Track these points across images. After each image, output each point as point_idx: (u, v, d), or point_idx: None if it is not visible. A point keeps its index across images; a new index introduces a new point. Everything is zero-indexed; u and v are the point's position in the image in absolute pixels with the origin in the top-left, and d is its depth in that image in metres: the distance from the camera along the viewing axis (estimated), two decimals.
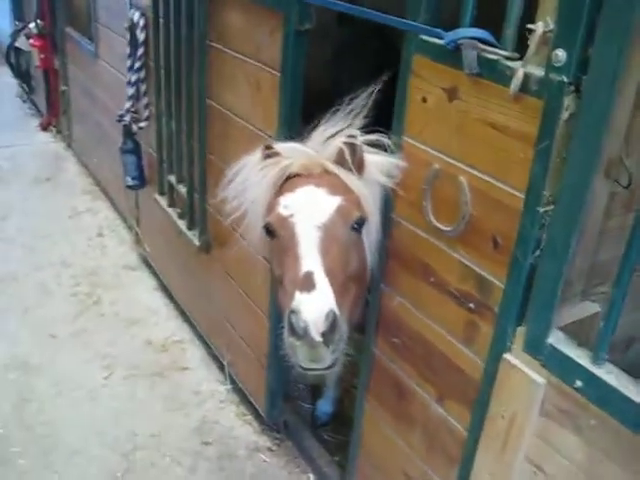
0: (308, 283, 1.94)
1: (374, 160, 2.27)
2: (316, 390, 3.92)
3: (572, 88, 1.59)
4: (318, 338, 1.85)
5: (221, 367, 4.08)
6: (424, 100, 2.06)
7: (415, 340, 2.33)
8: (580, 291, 1.98)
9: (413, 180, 2.15)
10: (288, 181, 2.25)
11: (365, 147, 2.27)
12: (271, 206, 2.23)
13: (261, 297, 3.30)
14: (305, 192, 2.18)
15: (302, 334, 1.85)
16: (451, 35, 1.86)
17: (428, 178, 2.07)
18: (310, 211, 2.12)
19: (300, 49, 2.66)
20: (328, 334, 1.86)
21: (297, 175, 2.25)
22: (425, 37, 2.00)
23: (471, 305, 2.02)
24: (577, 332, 1.85)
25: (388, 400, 2.58)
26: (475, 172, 1.90)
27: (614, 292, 1.58)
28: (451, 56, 1.89)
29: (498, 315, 1.92)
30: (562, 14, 1.58)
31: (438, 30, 1.93)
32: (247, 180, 2.34)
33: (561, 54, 1.58)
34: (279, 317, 2.52)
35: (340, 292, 2.03)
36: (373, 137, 2.27)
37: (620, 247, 1.56)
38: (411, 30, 2.03)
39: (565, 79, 1.58)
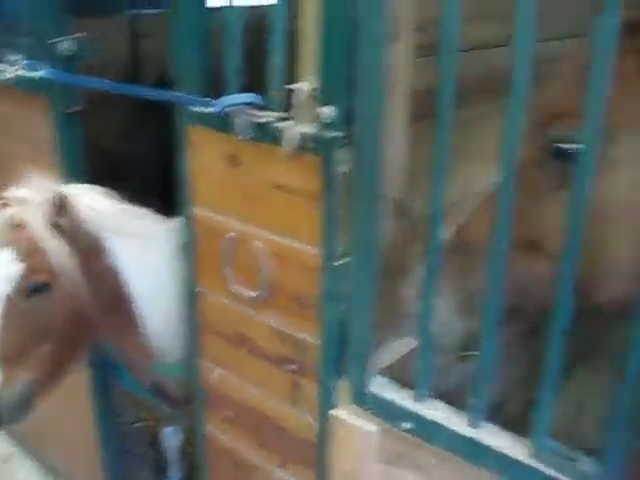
0: None
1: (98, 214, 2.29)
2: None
3: (345, 141, 1.62)
4: None
5: None
6: (207, 169, 2.01)
7: (245, 411, 2.25)
8: (394, 329, 2.02)
9: (211, 250, 2.09)
10: None
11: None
12: None
13: None
14: None
15: None
16: (219, 103, 1.84)
17: (225, 247, 2.02)
18: None
19: (72, 129, 2.60)
20: None
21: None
22: (196, 107, 1.97)
23: (292, 367, 1.98)
24: (402, 371, 1.87)
25: (231, 478, 2.46)
26: (270, 235, 1.88)
27: (422, 330, 1.61)
28: (225, 124, 1.86)
29: (319, 373, 1.90)
30: (323, 72, 1.62)
31: (206, 100, 1.91)
32: None
33: (328, 110, 1.61)
34: None
35: (25, 363, 2.15)
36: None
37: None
38: (177, 102, 1.99)
39: (336, 134, 1.61)
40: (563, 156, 1.51)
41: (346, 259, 1.70)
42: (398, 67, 1.65)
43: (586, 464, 1.45)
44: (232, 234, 1.99)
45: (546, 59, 2.38)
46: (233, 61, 1.85)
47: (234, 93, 1.86)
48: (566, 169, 1.46)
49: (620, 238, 1.51)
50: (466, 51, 2.19)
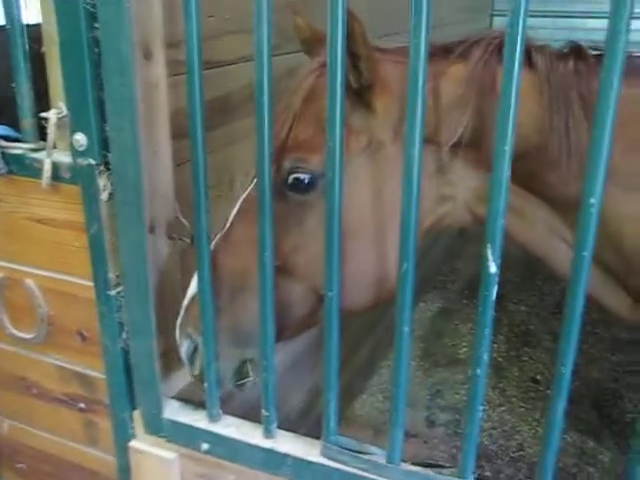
0: None
1: None
2: None
3: (102, 168, 1.57)
4: None
5: None
6: None
7: (40, 459, 2.11)
8: None
9: None
10: None
11: None
12: None
13: None
14: None
15: None
16: None
17: None
18: None
19: None
20: None
21: None
22: None
23: (82, 405, 1.90)
24: (195, 391, 1.85)
25: None
26: (40, 272, 1.79)
27: (206, 350, 1.60)
28: None
29: (110, 406, 1.83)
30: (70, 98, 1.55)
31: None
32: None
33: (80, 138, 1.55)
34: None
35: None
36: None
37: None
38: None
39: (92, 161, 1.55)
40: (301, 186, 1.56)
41: (121, 288, 1.65)
42: (152, 86, 1.62)
43: (374, 453, 1.52)
44: (0, 275, 1.86)
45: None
46: None
47: None
48: (305, 198, 1.57)
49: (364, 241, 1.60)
50: (232, 64, 2.21)
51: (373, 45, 1.52)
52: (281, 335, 1.62)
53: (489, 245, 1.23)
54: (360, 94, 1.55)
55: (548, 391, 3.87)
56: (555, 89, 1.50)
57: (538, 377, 4.02)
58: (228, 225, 1.64)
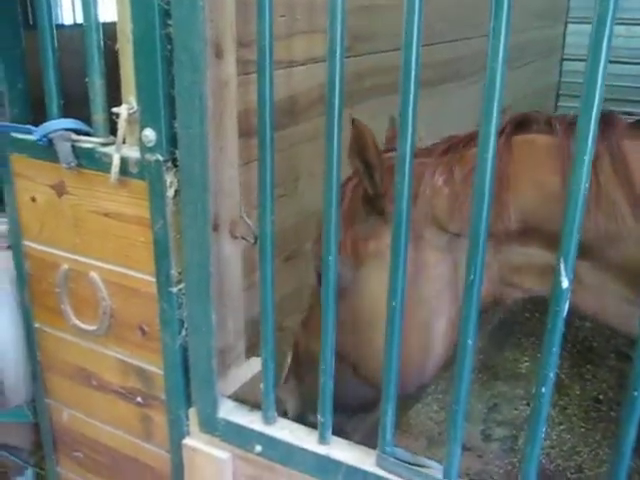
0: None
1: None
2: None
3: (170, 164, 1.57)
4: None
5: None
6: (33, 200, 1.90)
7: (96, 449, 2.14)
8: (244, 350, 1.98)
9: (46, 285, 1.98)
10: None
11: None
12: None
13: None
14: None
15: None
16: (40, 130, 1.74)
17: (60, 280, 1.91)
18: None
19: None
20: None
21: None
22: (18, 135, 1.86)
23: (139, 399, 1.91)
24: (251, 391, 1.84)
25: None
26: (104, 265, 1.80)
27: (263, 352, 1.59)
28: (49, 151, 1.76)
29: (167, 402, 1.83)
30: (141, 93, 1.56)
31: (26, 126, 1.81)
32: None
33: (150, 133, 1.55)
34: None
35: None
36: None
37: None
38: None
39: (160, 157, 1.56)
40: None
41: (183, 285, 1.65)
42: (223, 84, 1.62)
43: (433, 468, 1.48)
44: (65, 267, 1.89)
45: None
46: (52, 84, 1.76)
47: (56, 118, 1.77)
48: None
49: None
50: (302, 65, 2.21)
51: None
52: None
53: (562, 259, 1.18)
54: (374, 201, 1.66)
55: (611, 412, 3.73)
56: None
57: (601, 397, 3.88)
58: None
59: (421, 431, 3.56)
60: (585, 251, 1.43)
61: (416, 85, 1.23)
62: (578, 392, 3.90)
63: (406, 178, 1.27)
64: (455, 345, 1.38)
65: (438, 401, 3.82)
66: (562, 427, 3.62)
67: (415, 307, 1.70)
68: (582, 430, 3.62)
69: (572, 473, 3.33)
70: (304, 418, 1.92)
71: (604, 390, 3.93)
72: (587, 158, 1.10)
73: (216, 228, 1.64)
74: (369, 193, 1.69)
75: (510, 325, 4.59)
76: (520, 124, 1.66)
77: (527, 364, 4.20)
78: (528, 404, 3.82)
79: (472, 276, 1.26)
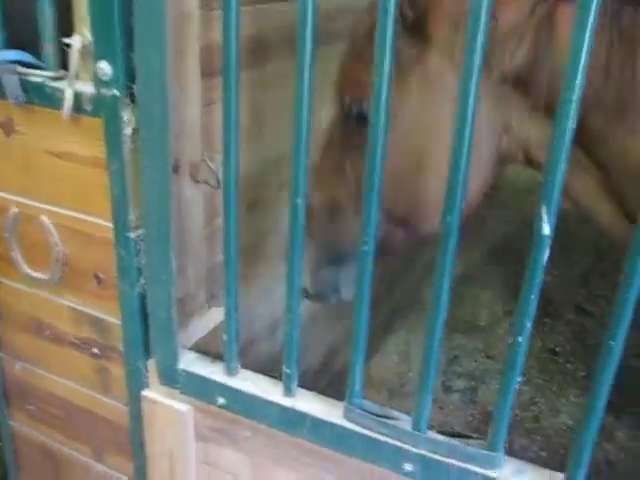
0: None
1: None
2: None
3: (127, 100, 1.47)
4: None
5: None
6: None
7: (50, 402, 2.06)
8: (206, 299, 1.92)
9: None
10: None
11: None
12: None
13: None
14: None
15: None
16: None
17: (8, 224, 1.80)
18: None
19: None
20: None
21: None
22: None
23: (95, 350, 1.83)
24: (212, 342, 1.78)
25: (45, 476, 2.27)
26: (56, 209, 1.70)
27: (227, 301, 1.52)
28: None
29: (125, 353, 1.76)
30: (95, 24, 1.44)
31: None
32: None
33: (105, 66, 1.44)
34: None
35: None
36: None
37: None
38: None
39: (117, 93, 1.45)
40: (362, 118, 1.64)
41: (141, 230, 1.56)
42: (185, 16, 1.52)
43: (399, 418, 1.44)
44: (15, 210, 1.78)
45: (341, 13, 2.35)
46: None
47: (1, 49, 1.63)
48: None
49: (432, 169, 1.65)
50: (265, 3, 2.09)
51: None
52: None
53: (544, 203, 1.12)
54: (414, 24, 1.48)
55: (567, 364, 3.79)
56: (623, 36, 1.40)
57: (557, 349, 3.94)
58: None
59: (382, 382, 3.56)
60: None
61: None
62: (536, 345, 3.94)
63: None
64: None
65: (399, 352, 3.82)
66: (520, 379, 3.65)
67: None
68: (539, 382, 3.67)
69: (529, 423, 3.38)
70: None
71: (561, 343, 3.99)
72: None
73: (177, 170, 1.56)
74: (407, 17, 1.55)
75: (469, 278, 4.60)
76: None
77: (485, 317, 4.22)
78: (487, 356, 3.85)
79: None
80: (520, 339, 1.23)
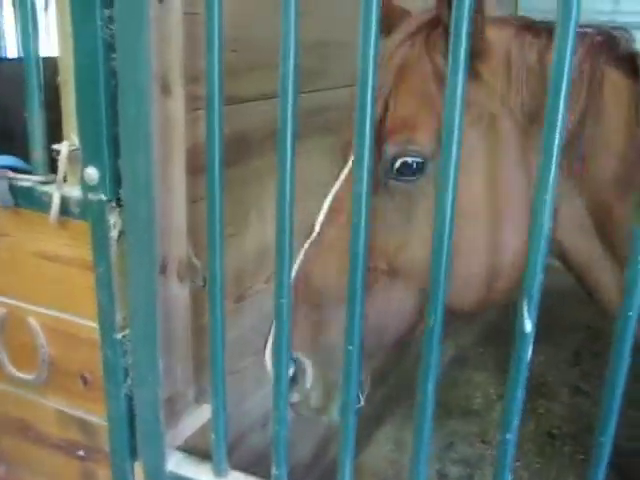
0: None
1: None
2: None
3: (114, 204, 1.49)
4: None
5: None
6: None
7: None
8: (195, 396, 1.89)
9: None
10: None
11: None
12: None
13: None
14: None
15: None
16: None
17: None
18: None
19: None
20: None
21: None
22: None
23: (80, 453, 1.79)
24: (202, 440, 1.75)
25: None
26: (43, 310, 1.70)
27: (214, 402, 1.51)
28: None
29: (111, 455, 1.72)
30: (83, 131, 1.49)
31: None
32: None
33: (92, 172, 1.47)
34: None
35: None
36: None
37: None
38: None
39: (103, 197, 1.48)
40: (408, 172, 1.42)
41: (127, 331, 1.56)
42: (170, 121, 1.56)
43: None
44: (3, 311, 1.78)
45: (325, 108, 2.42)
46: None
47: None
48: (413, 186, 1.43)
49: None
50: (252, 101, 2.15)
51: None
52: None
53: (525, 300, 1.14)
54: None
55: (564, 447, 3.73)
56: None
57: (554, 431, 3.88)
58: (317, 230, 1.53)
59: (375, 473, 3.48)
60: None
61: None
62: (532, 427, 3.88)
63: None
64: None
65: (393, 439, 3.75)
66: (518, 464, 3.58)
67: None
68: (537, 466, 3.60)
69: None
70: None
71: (557, 425, 3.93)
72: None
73: (163, 271, 1.57)
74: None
75: (462, 360, 4.57)
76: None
77: (479, 400, 4.18)
78: (483, 442, 3.79)
79: None
80: (508, 436, 1.21)
